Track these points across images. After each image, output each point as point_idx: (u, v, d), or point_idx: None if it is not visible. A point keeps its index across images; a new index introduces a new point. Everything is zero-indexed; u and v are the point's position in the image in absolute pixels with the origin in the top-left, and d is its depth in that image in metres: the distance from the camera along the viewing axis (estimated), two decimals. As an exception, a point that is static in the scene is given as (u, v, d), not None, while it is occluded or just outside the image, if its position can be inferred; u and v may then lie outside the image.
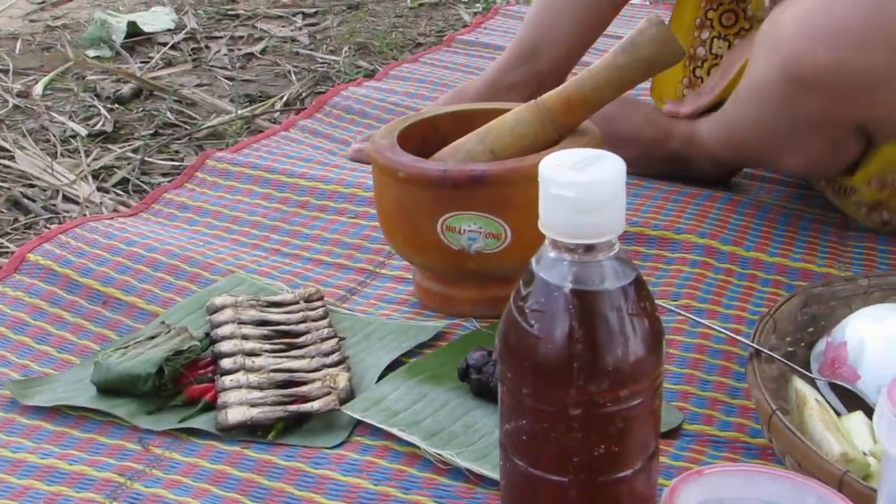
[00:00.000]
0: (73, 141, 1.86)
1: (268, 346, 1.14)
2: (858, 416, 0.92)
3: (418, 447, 1.00)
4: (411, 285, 1.30)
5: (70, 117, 1.96)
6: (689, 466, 0.96)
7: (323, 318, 1.20)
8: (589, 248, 0.64)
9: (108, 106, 2.02)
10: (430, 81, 1.99)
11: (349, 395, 1.06)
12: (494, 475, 0.91)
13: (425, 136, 1.26)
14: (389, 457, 1.00)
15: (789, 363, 1.00)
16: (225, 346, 1.13)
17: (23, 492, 0.97)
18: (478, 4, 2.65)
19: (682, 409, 1.05)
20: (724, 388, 1.08)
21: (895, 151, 1.28)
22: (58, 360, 1.18)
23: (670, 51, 1.14)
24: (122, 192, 1.67)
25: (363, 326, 1.20)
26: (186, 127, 1.93)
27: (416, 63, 2.11)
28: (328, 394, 1.05)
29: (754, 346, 0.98)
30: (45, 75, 2.19)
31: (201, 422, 1.05)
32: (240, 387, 1.06)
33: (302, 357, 1.13)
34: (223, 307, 1.20)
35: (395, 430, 1.01)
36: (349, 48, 2.36)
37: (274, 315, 1.19)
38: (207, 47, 2.40)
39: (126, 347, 1.13)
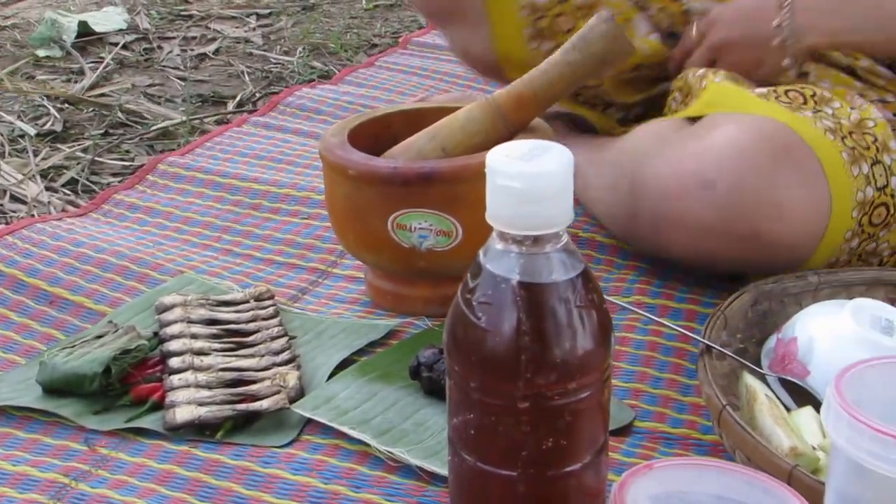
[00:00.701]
0: (21, 140, 1.84)
1: (217, 345, 1.13)
2: (808, 411, 0.93)
3: (368, 445, 0.99)
4: (363, 284, 1.29)
5: (19, 117, 1.94)
6: (640, 463, 0.95)
7: (273, 316, 1.19)
8: (536, 240, 0.64)
9: (58, 105, 1.99)
10: (385, 88, 1.98)
11: (299, 394, 1.05)
12: (445, 472, 0.91)
13: (377, 135, 1.25)
14: (339, 455, 0.99)
15: (740, 359, 1.00)
16: (173, 345, 1.11)
17: (-36, 493, 0.96)
18: (433, 6, 2.64)
19: (634, 407, 1.05)
20: (676, 385, 1.08)
21: None
22: (2, 360, 1.16)
23: (620, 47, 1.13)
24: (70, 192, 1.65)
25: (314, 325, 1.19)
26: (137, 127, 1.91)
27: (371, 67, 2.10)
28: (277, 392, 1.04)
29: (705, 342, 0.98)
30: (-6, 75, 2.16)
31: (149, 421, 1.04)
32: (188, 386, 1.05)
33: (251, 356, 1.11)
34: (172, 306, 1.18)
35: (345, 429, 1.00)
36: (303, 49, 2.35)
37: (223, 314, 1.18)
38: (160, 48, 2.38)
39: (72, 347, 1.11)
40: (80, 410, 1.05)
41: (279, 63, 2.27)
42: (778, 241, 1.12)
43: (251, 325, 1.16)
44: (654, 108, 1.43)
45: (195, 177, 1.60)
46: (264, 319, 1.18)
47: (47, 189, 1.65)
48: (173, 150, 1.75)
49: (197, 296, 1.21)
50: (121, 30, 2.46)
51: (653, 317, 1.08)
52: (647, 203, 1.17)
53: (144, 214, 1.50)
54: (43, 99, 2.02)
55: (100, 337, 1.13)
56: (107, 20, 2.49)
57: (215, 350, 1.12)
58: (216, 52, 2.36)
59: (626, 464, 0.96)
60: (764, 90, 1.21)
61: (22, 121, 1.92)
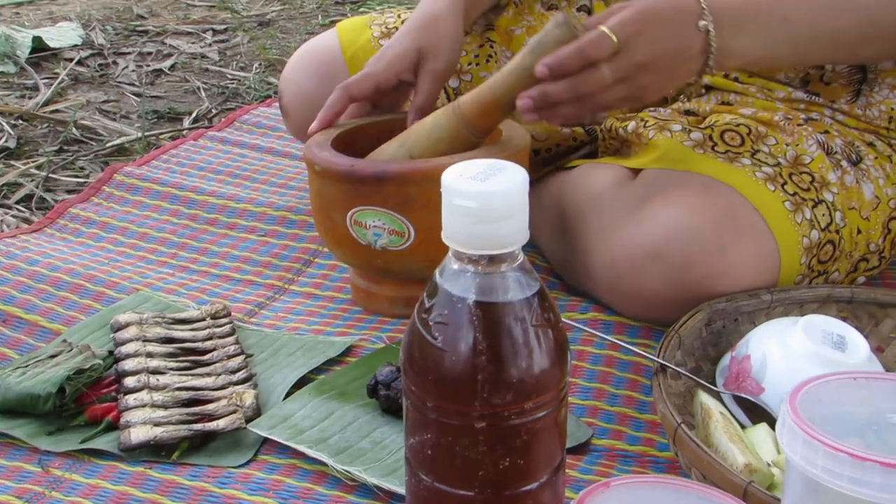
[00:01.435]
0: (-26, 157, 1.82)
1: (173, 364, 1.12)
2: (762, 427, 0.93)
3: (326, 465, 0.99)
4: (321, 300, 1.29)
5: (-28, 133, 1.92)
6: (598, 480, 0.95)
7: (230, 334, 1.18)
8: (492, 260, 0.64)
9: (12, 122, 1.98)
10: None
11: (256, 413, 1.05)
12: (403, 491, 0.90)
13: (379, 138, 1.27)
14: (297, 475, 0.99)
15: (694, 377, 1.01)
16: (129, 365, 1.10)
17: (-84, 516, 0.94)
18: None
19: (591, 425, 1.05)
20: (632, 402, 1.09)
21: None
22: (-45, 381, 1.14)
23: None
24: (25, 209, 1.64)
25: (271, 342, 1.19)
26: (92, 143, 1.90)
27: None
28: (234, 412, 1.04)
29: (660, 361, 0.99)
30: (-54, 91, 2.14)
31: (104, 442, 1.03)
32: (143, 405, 1.04)
33: (208, 375, 1.11)
34: (127, 325, 1.17)
35: (302, 448, 1.00)
36: (259, 65, 2.34)
37: (180, 332, 1.17)
38: (115, 63, 2.37)
39: (26, 366, 1.10)
40: (33, 431, 1.04)
41: (236, 79, 2.26)
42: None
43: (207, 344, 1.16)
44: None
45: (151, 188, 1.59)
46: (221, 338, 1.17)
47: (1, 206, 1.64)
48: (131, 161, 1.74)
49: (153, 314, 1.20)
50: (75, 45, 2.45)
51: (608, 337, 1.08)
52: (600, 277, 1.20)
53: (100, 230, 1.49)
54: (-4, 115, 2.00)
55: (54, 356, 1.12)
56: (61, 36, 2.47)
57: (171, 369, 1.11)
58: (172, 67, 2.35)
59: (583, 481, 0.96)
60: (700, 135, 1.23)
61: (-25, 137, 1.90)
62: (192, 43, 2.52)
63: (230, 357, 1.14)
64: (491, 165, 0.65)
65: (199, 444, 1.02)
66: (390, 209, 1.15)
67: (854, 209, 1.21)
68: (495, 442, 0.65)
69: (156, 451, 1.01)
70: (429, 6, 1.29)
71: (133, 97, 2.16)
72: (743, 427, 0.95)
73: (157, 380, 1.08)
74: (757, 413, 0.97)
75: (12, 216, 1.61)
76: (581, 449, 1.02)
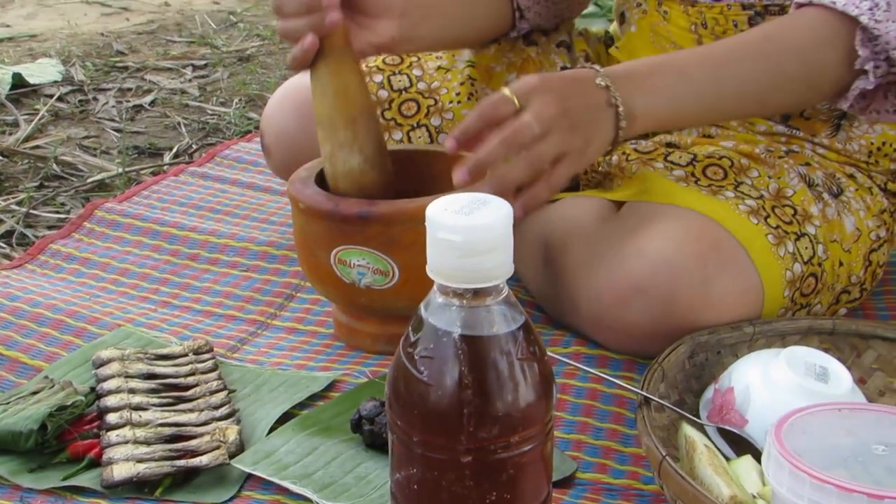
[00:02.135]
0: (-46, 194, 1.82)
1: (155, 400, 1.11)
2: (747, 459, 0.93)
3: (310, 500, 0.98)
4: (303, 335, 1.29)
5: (-48, 170, 1.92)
6: (582, 514, 0.96)
7: (212, 370, 1.18)
8: (477, 293, 0.64)
9: (-8, 158, 1.98)
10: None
11: (239, 449, 1.04)
12: (387, 527, 0.90)
13: None
14: (280, 511, 0.99)
15: (678, 410, 1.01)
16: (111, 401, 1.10)
17: None
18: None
19: (576, 458, 1.05)
20: (617, 435, 1.09)
21: None
22: (-65, 419, 1.13)
23: None
24: (5, 246, 1.63)
25: (254, 378, 1.18)
26: (73, 179, 1.90)
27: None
28: (217, 448, 1.03)
29: (644, 394, 0.99)
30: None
31: (86, 479, 1.02)
32: (126, 442, 1.04)
33: (191, 410, 1.10)
34: (109, 360, 1.17)
35: (286, 483, 1.00)
36: (240, 100, 2.35)
37: (162, 368, 1.17)
38: (95, 99, 2.37)
39: (7, 403, 1.09)
40: (15, 468, 1.03)
41: (216, 114, 2.27)
42: None
43: (190, 380, 1.15)
44: None
45: (133, 224, 1.59)
46: (203, 373, 1.17)
47: (-19, 243, 1.63)
48: (113, 198, 1.73)
49: (135, 350, 1.20)
50: (55, 81, 2.45)
51: (591, 370, 1.08)
52: (585, 311, 1.20)
53: (81, 265, 1.48)
54: (-24, 151, 2.00)
55: (35, 393, 1.11)
56: (41, 72, 2.47)
57: (154, 405, 1.11)
58: (152, 103, 2.35)
59: (568, 515, 0.96)
60: (682, 172, 1.23)
61: (-45, 173, 1.90)
62: (173, 79, 2.53)
63: (213, 393, 1.13)
64: (475, 199, 0.66)
65: (183, 480, 1.02)
66: (374, 249, 1.15)
67: (836, 242, 1.22)
68: (482, 476, 0.65)
69: (139, 488, 1.00)
70: None
71: (113, 133, 2.16)
72: (727, 459, 0.95)
73: (140, 416, 1.08)
74: (741, 445, 0.98)
75: (-8, 252, 1.60)
76: (566, 483, 1.01)
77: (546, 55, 1.47)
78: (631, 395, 1.11)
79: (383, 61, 1.45)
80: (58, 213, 1.76)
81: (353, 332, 1.26)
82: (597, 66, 1.13)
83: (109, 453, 1.03)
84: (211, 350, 1.22)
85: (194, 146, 2.08)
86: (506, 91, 1.08)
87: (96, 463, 1.03)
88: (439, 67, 1.45)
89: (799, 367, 0.99)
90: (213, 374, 1.17)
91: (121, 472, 1.00)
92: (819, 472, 0.59)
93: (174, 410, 1.10)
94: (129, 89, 2.44)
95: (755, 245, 1.15)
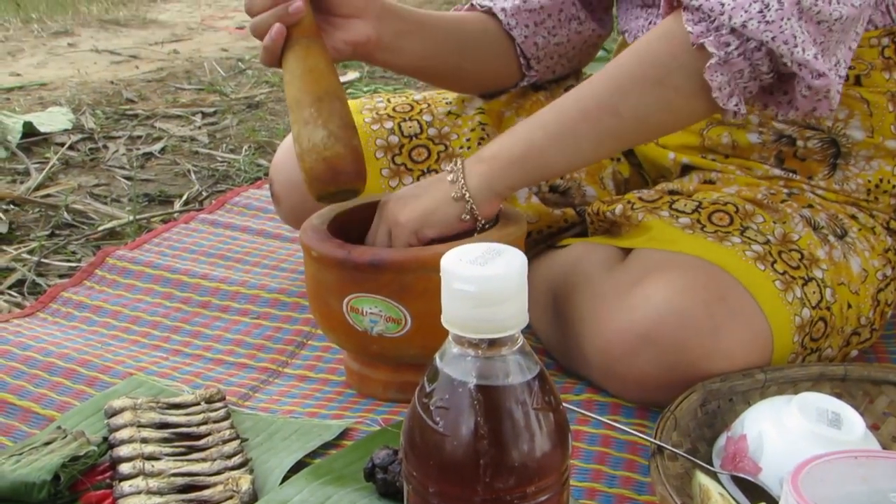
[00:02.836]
0: (-34, 243, 1.82)
1: (168, 450, 1.11)
2: (762, 507, 0.93)
3: (323, 550, 0.98)
4: (315, 383, 1.29)
5: (-37, 219, 1.93)
6: (596, 562, 0.95)
7: (225, 419, 1.18)
8: (492, 343, 0.64)
9: (3, 207, 1.98)
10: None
11: (252, 498, 1.04)
12: (401, 576, 0.90)
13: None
14: (294, 560, 0.98)
15: (692, 458, 1.01)
16: (123, 451, 1.10)
17: None
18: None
19: (590, 505, 1.05)
20: (630, 483, 1.08)
21: None
22: (-52, 469, 1.13)
23: None
24: (17, 294, 1.64)
25: (266, 426, 1.18)
26: (84, 227, 1.91)
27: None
28: (230, 497, 1.03)
29: (657, 443, 0.99)
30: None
31: (99, 529, 1.02)
32: (139, 492, 1.04)
33: (203, 460, 1.10)
34: (122, 410, 1.17)
35: (299, 533, 0.99)
36: (249, 147, 2.36)
37: (174, 417, 1.17)
38: (105, 147, 2.39)
39: (20, 454, 1.09)
40: (28, 519, 1.03)
41: (225, 161, 2.28)
42: None
43: (202, 429, 1.15)
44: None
45: (144, 272, 1.59)
46: (216, 422, 1.17)
47: (-7, 291, 1.64)
48: (123, 245, 1.74)
49: (147, 399, 1.20)
50: (66, 130, 2.47)
51: (604, 419, 1.08)
52: (594, 360, 1.20)
53: (92, 313, 1.49)
54: (-12, 200, 2.01)
55: (48, 443, 1.11)
56: (52, 120, 2.49)
57: (166, 454, 1.11)
58: (162, 150, 2.37)
59: (582, 563, 0.96)
60: (688, 220, 1.24)
61: (-34, 223, 1.91)
62: (182, 126, 2.54)
63: (225, 442, 1.13)
64: (490, 249, 0.66)
65: (196, 530, 1.01)
66: (387, 297, 1.15)
67: (843, 284, 1.22)
68: (498, 526, 0.65)
69: (151, 539, 1.00)
70: None
71: (124, 181, 2.17)
72: (742, 507, 0.94)
73: (153, 466, 1.08)
74: (755, 493, 0.97)
75: (5, 301, 1.61)
76: (580, 531, 1.01)
77: (554, 99, 1.48)
78: (644, 441, 1.11)
79: (394, 109, 1.46)
80: (69, 261, 1.77)
81: (364, 379, 1.26)
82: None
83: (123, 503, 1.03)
84: (223, 398, 1.22)
85: (204, 193, 2.09)
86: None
87: (109, 513, 1.03)
88: (449, 113, 1.46)
89: (811, 413, 0.99)
90: (226, 423, 1.17)
91: (134, 522, 1.00)
92: (836, 521, 0.59)
93: (187, 460, 1.10)
94: (139, 137, 2.46)
95: (763, 292, 1.15)
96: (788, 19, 1.05)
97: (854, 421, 0.99)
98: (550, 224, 1.44)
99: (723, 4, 1.07)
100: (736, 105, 1.12)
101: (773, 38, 1.06)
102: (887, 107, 1.27)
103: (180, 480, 1.06)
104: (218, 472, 1.08)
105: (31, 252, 1.79)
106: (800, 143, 1.29)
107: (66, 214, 1.95)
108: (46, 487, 1.04)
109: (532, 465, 0.64)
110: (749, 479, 0.98)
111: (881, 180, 1.30)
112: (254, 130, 2.48)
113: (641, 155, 1.46)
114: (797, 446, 0.95)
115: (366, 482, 1.06)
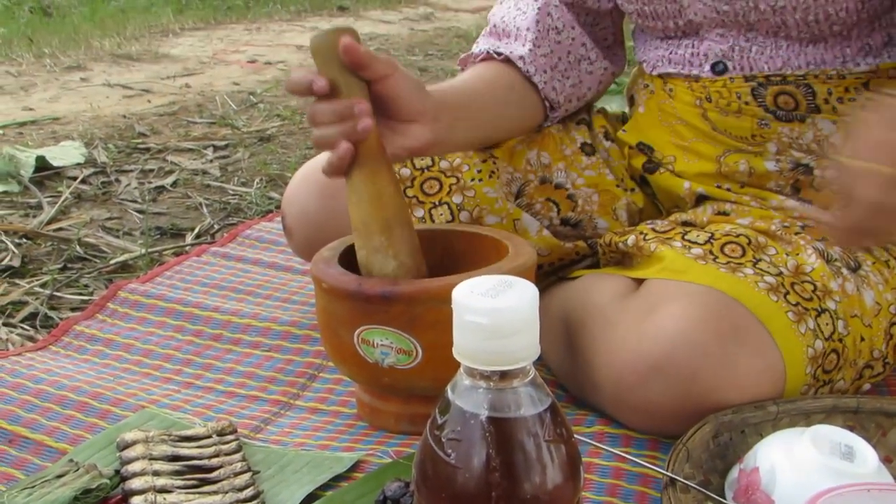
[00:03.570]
0: (-21, 276, 1.83)
1: (180, 483, 1.12)
2: (775, 539, 0.93)
3: (335, 583, 0.98)
4: (326, 415, 1.29)
5: (-24, 252, 1.94)
6: None
7: (236, 451, 1.18)
8: (504, 375, 0.65)
9: (16, 241, 1.99)
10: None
11: (264, 531, 1.04)
12: None
13: None
14: None
15: (705, 491, 1.00)
16: (136, 484, 1.10)
17: None
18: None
19: (601, 537, 1.05)
20: (641, 514, 1.08)
21: None
22: (-40, 502, 1.14)
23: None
24: (30, 328, 1.64)
25: (277, 458, 1.18)
26: (96, 261, 1.92)
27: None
28: (242, 530, 1.03)
29: (669, 475, 0.98)
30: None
31: (111, 562, 1.02)
32: (151, 525, 1.04)
33: (215, 493, 1.10)
34: (134, 443, 1.17)
35: (311, 566, 0.99)
36: (261, 180, 2.37)
37: (186, 450, 1.17)
38: (118, 181, 2.40)
39: (33, 487, 1.09)
40: (40, 552, 1.04)
41: (237, 194, 2.29)
42: None
43: (214, 461, 1.15)
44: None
45: (155, 305, 1.60)
46: (227, 455, 1.17)
47: (5, 325, 1.64)
48: (135, 279, 1.75)
49: (159, 431, 1.20)
50: (78, 164, 2.48)
51: (616, 451, 1.08)
52: (606, 391, 1.20)
53: (104, 346, 1.49)
54: (0, 234, 2.01)
55: (61, 476, 1.11)
56: (64, 154, 2.51)
57: (178, 487, 1.11)
58: (174, 184, 2.38)
59: None
60: (701, 251, 1.24)
61: (-21, 256, 1.92)
62: (194, 159, 2.56)
63: (237, 474, 1.13)
64: (501, 281, 0.66)
65: (207, 563, 1.01)
66: (398, 328, 1.15)
67: (856, 317, 1.22)
68: (510, 559, 0.65)
69: (163, 572, 1.00)
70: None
71: (136, 214, 2.18)
72: (754, 539, 0.94)
73: (165, 498, 1.08)
74: (768, 525, 0.97)
75: (17, 335, 1.61)
76: (592, 563, 1.01)
77: (567, 132, 1.49)
78: (657, 474, 1.11)
79: None
80: (81, 294, 1.77)
81: (376, 411, 1.26)
82: None
83: (134, 536, 1.03)
84: (234, 431, 1.22)
85: (216, 226, 2.09)
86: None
87: (121, 546, 1.03)
88: None
89: (824, 446, 0.99)
90: (237, 456, 1.17)
91: (146, 555, 1.00)
92: (849, 554, 0.59)
93: (198, 492, 1.10)
94: (151, 170, 2.47)
95: (776, 323, 1.15)
96: None
97: (867, 454, 0.99)
98: (562, 257, 1.45)
99: None
100: None
101: None
102: None
103: (192, 513, 1.06)
104: (230, 505, 1.08)
105: (43, 285, 1.79)
106: (817, 172, 1.30)
107: (78, 248, 1.96)
108: (59, 520, 1.04)
109: (544, 498, 0.64)
110: (761, 511, 0.98)
111: None
112: (265, 163, 2.49)
113: (656, 184, 1.47)
114: (810, 479, 0.95)
115: (377, 515, 1.06)
